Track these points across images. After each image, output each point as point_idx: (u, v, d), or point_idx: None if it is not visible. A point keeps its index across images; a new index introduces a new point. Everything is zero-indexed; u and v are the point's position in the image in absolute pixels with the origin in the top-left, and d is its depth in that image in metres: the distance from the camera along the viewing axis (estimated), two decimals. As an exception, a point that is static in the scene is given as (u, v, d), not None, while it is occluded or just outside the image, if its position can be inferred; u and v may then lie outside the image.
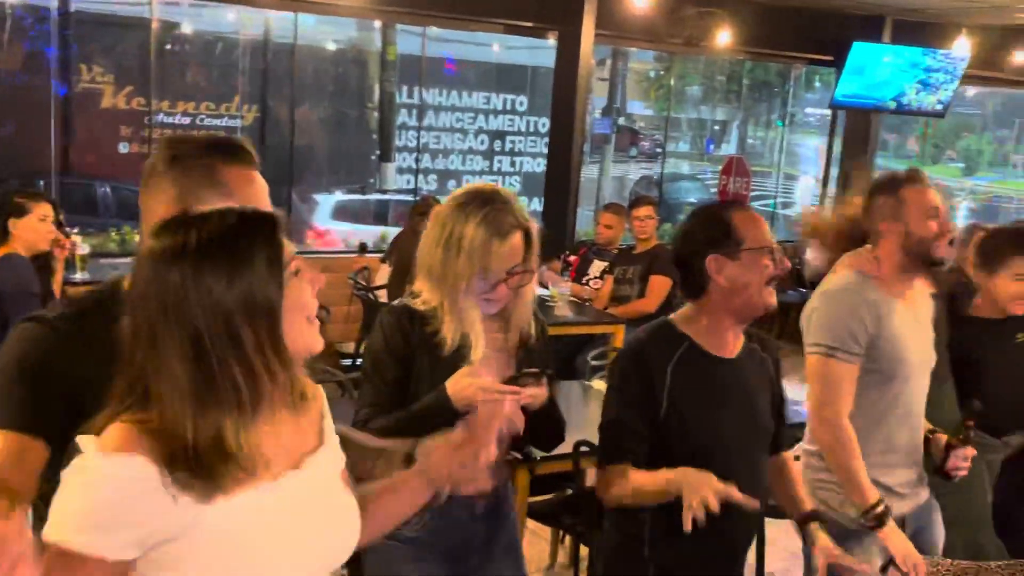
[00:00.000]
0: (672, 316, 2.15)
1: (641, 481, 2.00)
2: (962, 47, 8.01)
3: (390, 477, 1.55)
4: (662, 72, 15.57)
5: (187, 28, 8.93)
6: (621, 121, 19.09)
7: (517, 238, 2.03)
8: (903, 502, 2.49)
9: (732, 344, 2.12)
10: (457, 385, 1.94)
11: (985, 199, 22.03)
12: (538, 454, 3.00)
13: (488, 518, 2.16)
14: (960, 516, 2.77)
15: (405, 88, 10.33)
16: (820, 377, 2.39)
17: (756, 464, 2.16)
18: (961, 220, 16.97)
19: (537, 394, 1.96)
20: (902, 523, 2.48)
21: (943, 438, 2.54)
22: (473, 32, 8.63)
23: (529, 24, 7.29)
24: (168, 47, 8.70)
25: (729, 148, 21.50)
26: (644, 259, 5.61)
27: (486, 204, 2.03)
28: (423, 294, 2.09)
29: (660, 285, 5.48)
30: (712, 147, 21.41)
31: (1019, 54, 8.68)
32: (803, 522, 2.25)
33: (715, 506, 1.77)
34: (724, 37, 7.29)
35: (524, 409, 1.95)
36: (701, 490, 1.80)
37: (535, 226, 2.08)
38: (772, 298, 2.07)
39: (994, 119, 26.84)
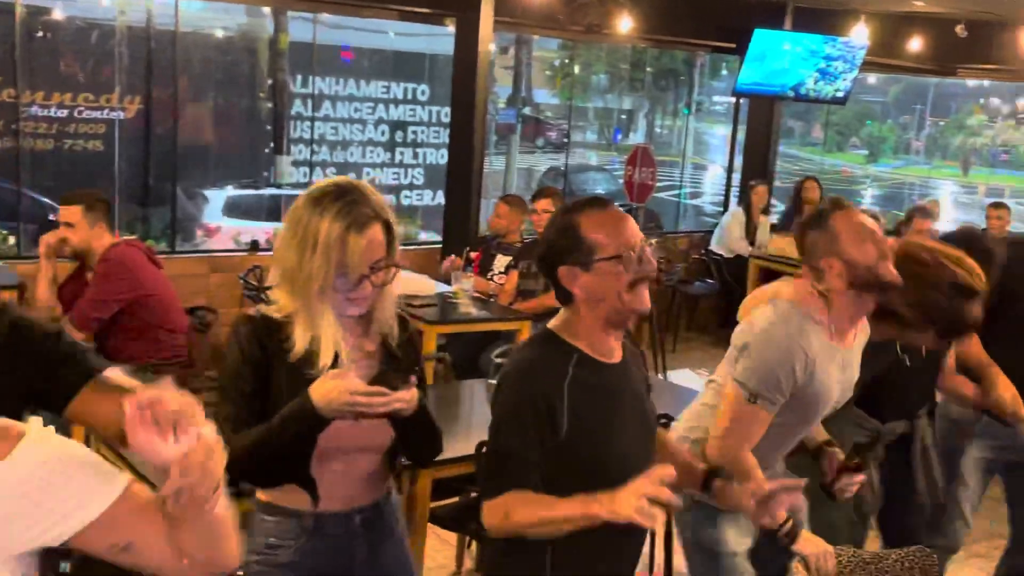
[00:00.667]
0: (554, 325, 2.07)
1: (547, 509, 1.91)
2: (861, 34, 8.24)
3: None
4: (567, 60, 15.63)
5: (58, 14, 8.59)
6: (527, 111, 19.13)
7: (376, 230, 1.96)
8: None
9: (615, 348, 2.09)
10: (322, 390, 1.85)
11: (889, 185, 22.77)
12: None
13: (369, 533, 2.09)
14: (820, 497, 2.87)
15: (299, 77, 10.14)
16: (734, 412, 2.41)
17: (649, 464, 2.13)
18: (867, 206, 17.54)
19: (408, 398, 1.89)
20: None
21: (837, 456, 2.58)
22: (367, 19, 8.51)
23: (425, 10, 7.23)
24: (39, 34, 8.35)
25: (637, 137, 21.75)
26: (549, 252, 5.62)
27: (340, 197, 1.96)
28: (280, 300, 2.01)
29: None
30: (620, 136, 21.61)
31: (915, 41, 8.97)
32: (706, 483, 2.26)
33: (658, 511, 1.73)
34: (626, 24, 7.35)
35: (395, 417, 1.93)
36: (632, 500, 1.75)
37: (394, 218, 2.01)
38: (642, 303, 2.00)
39: (896, 106, 27.82)
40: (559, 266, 2.00)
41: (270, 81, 10.54)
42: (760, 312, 2.49)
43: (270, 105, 10.59)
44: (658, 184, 12.13)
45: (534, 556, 2.00)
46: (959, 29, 8.36)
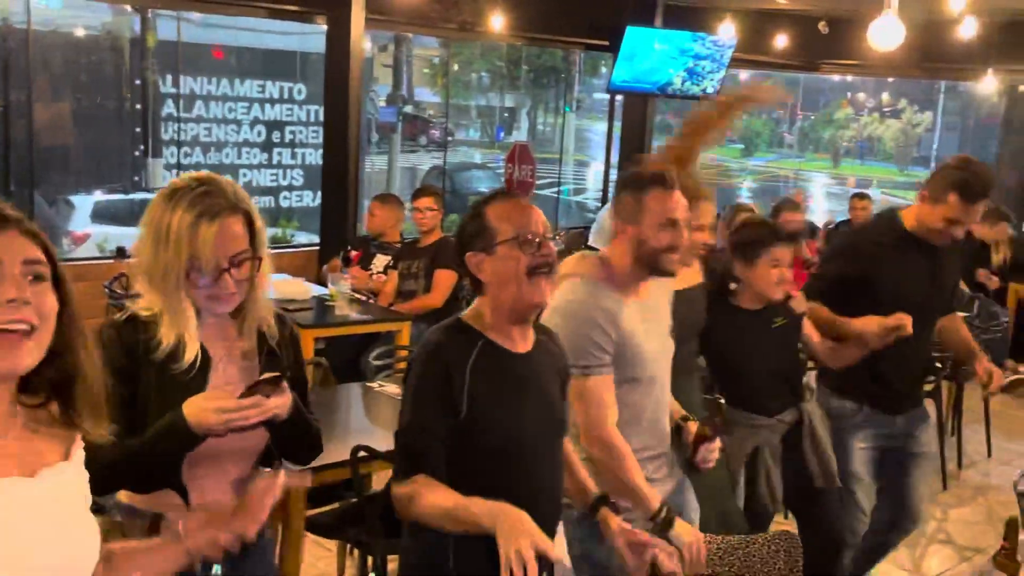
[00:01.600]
0: (465, 314, 2.14)
1: (449, 504, 1.94)
2: (728, 32, 8.47)
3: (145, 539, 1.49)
4: (447, 58, 15.62)
5: (-98, 13, 8.13)
6: (409, 109, 19.03)
7: (232, 221, 1.89)
8: (662, 486, 2.60)
9: (523, 338, 2.13)
10: (193, 408, 1.81)
11: (764, 178, 23.49)
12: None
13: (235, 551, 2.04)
14: (708, 490, 2.93)
15: (169, 77, 9.85)
16: (580, 397, 2.41)
17: (555, 456, 2.18)
18: (744, 199, 18.05)
19: (280, 404, 1.85)
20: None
21: (693, 428, 2.65)
22: (236, 17, 8.33)
23: (295, 8, 7.10)
24: None
25: (520, 135, 21.86)
26: (428, 252, 5.58)
27: (194, 189, 1.90)
28: (144, 298, 1.94)
29: (445, 279, 5.46)
30: (502, 134, 21.70)
31: (781, 37, 9.27)
32: (594, 509, 2.30)
33: (531, 560, 1.74)
34: (499, 22, 7.37)
35: (270, 424, 1.89)
36: (518, 541, 1.76)
37: (256, 209, 1.95)
38: (539, 295, 2.06)
39: (769, 101, 28.76)
40: (467, 252, 2.08)
41: (138, 81, 10.20)
42: (552, 297, 2.55)
43: (139, 106, 10.26)
44: (540, 181, 12.25)
45: (439, 540, 2.02)
46: (821, 26, 8.68)
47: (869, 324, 3.18)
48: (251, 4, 7.02)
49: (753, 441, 3.27)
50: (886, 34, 4.74)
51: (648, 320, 2.56)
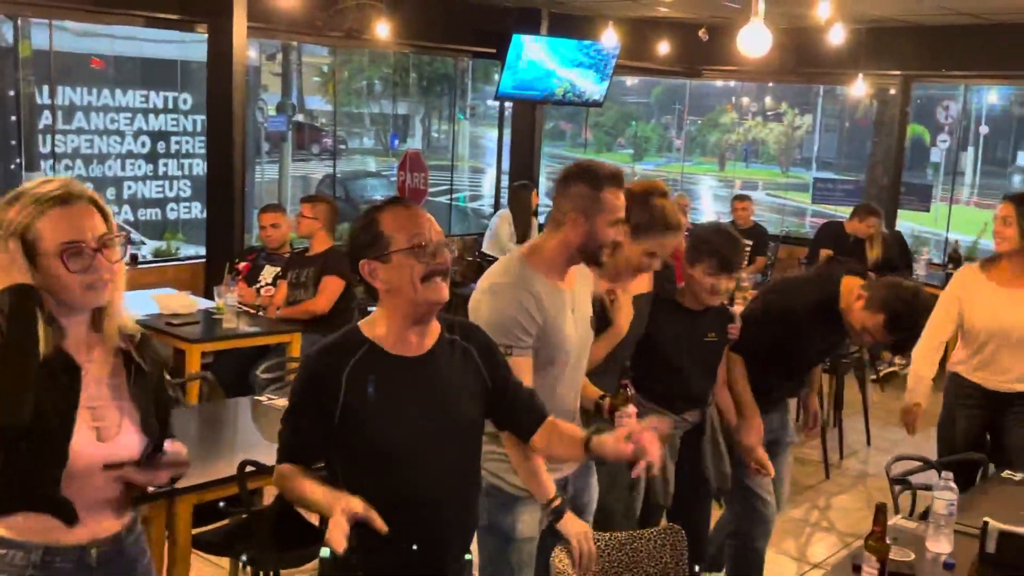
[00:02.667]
0: (362, 321, 2.15)
1: (303, 491, 2.05)
2: (611, 39, 8.61)
3: None
4: (337, 66, 15.47)
5: None
6: (300, 118, 18.76)
7: (86, 206, 1.87)
8: (566, 465, 2.66)
9: (419, 342, 2.12)
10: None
11: (654, 182, 24.02)
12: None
13: (104, 569, 1.96)
14: (612, 481, 3.01)
15: (46, 88, 9.48)
16: None
17: (455, 460, 2.15)
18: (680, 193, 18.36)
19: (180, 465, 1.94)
20: (565, 484, 2.67)
21: (607, 402, 2.76)
22: (113, 26, 8.08)
23: (173, 16, 6.93)
24: None
25: (414, 142, 21.77)
26: (318, 261, 5.54)
27: (38, 188, 1.87)
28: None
29: (331, 285, 5.43)
30: (396, 142, 21.60)
31: (663, 44, 9.48)
32: (586, 447, 2.30)
33: (338, 542, 1.83)
34: (386, 30, 7.34)
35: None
36: (332, 530, 1.85)
37: (101, 199, 1.93)
38: (437, 293, 2.07)
39: (658, 107, 29.35)
40: (360, 260, 2.08)
41: (12, 92, 9.79)
42: (484, 275, 2.64)
43: (14, 118, 9.84)
44: (434, 188, 12.22)
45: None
46: (701, 33, 8.90)
47: (755, 431, 3.45)
48: (128, 12, 6.82)
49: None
50: (754, 41, 4.90)
51: (573, 308, 2.61)
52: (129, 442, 1.93)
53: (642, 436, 2.14)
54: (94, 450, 1.87)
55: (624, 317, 3.00)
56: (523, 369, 2.45)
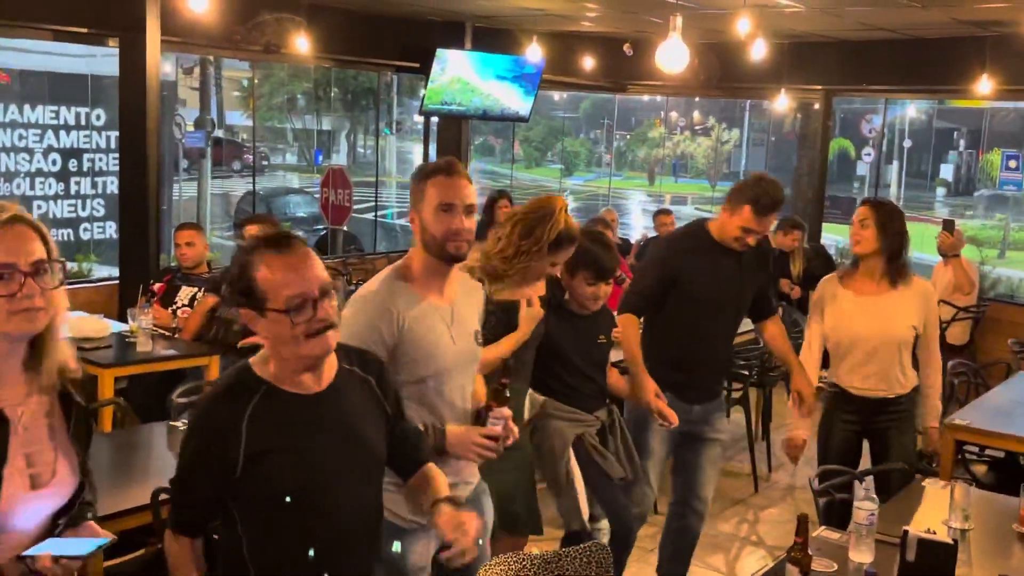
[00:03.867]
0: (252, 359, 2.06)
1: (176, 560, 2.05)
2: (536, 53, 8.69)
3: None
4: (258, 80, 15.32)
5: None
6: (219, 133, 18.53)
7: (24, 229, 1.79)
8: (461, 490, 2.65)
9: (315, 379, 2.05)
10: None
11: (583, 197, 24.13)
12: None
13: None
14: (504, 492, 3.08)
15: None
16: None
17: (363, 495, 2.11)
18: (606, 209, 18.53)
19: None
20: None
21: (482, 404, 2.72)
22: (19, 39, 7.90)
23: (83, 30, 6.80)
24: None
25: (339, 158, 21.64)
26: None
27: None
28: None
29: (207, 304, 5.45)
30: (321, 158, 21.45)
31: (588, 59, 9.60)
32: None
33: None
34: (305, 44, 7.30)
35: None
36: None
37: (33, 217, 1.85)
38: (322, 347, 1.99)
39: (587, 121, 29.66)
40: (239, 306, 2.01)
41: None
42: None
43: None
44: (360, 204, 12.16)
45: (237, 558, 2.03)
46: (626, 48, 9.05)
47: (647, 386, 3.69)
48: (36, 26, 6.67)
49: (574, 430, 3.62)
50: (672, 57, 5.01)
51: (449, 323, 2.59)
52: (63, 487, 1.87)
53: (459, 527, 2.15)
54: (24, 504, 1.82)
55: (529, 324, 3.21)
56: None
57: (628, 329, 3.76)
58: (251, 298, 1.97)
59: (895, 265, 3.87)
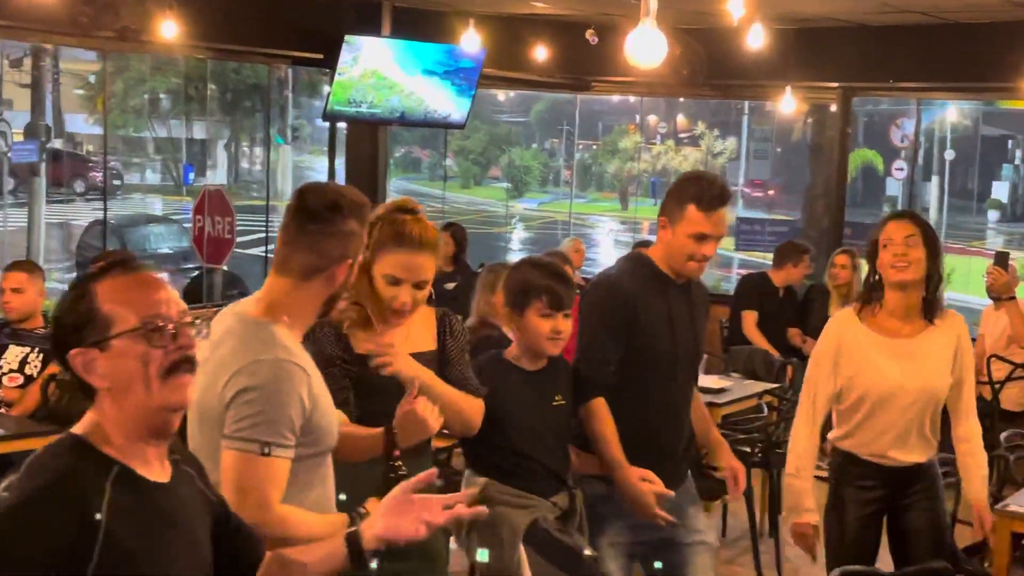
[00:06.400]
0: (81, 430, 2.01)
1: None
2: (473, 41, 8.80)
3: None
4: (109, 75, 15.27)
5: None
6: (58, 144, 18.42)
7: None
8: None
9: (161, 463, 2.06)
10: None
11: (537, 224, 24.18)
12: None
13: None
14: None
15: None
16: (245, 475, 2.54)
17: None
18: (517, 253, 18.60)
19: None
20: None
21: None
22: None
23: None
24: None
25: (217, 175, 21.64)
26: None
27: None
28: None
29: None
30: (192, 175, 21.42)
31: (541, 49, 9.66)
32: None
33: None
34: (173, 29, 7.34)
35: None
36: None
37: None
38: (179, 394, 2.01)
39: (540, 128, 29.90)
40: (71, 349, 1.97)
41: None
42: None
43: None
44: (245, 236, 12.08)
45: None
46: (589, 34, 9.13)
47: (631, 480, 3.61)
48: None
49: (526, 518, 3.53)
50: (645, 47, 5.11)
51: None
52: None
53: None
54: None
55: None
56: (279, 476, 2.50)
57: (601, 412, 3.68)
58: (90, 328, 1.97)
59: (934, 296, 3.96)
